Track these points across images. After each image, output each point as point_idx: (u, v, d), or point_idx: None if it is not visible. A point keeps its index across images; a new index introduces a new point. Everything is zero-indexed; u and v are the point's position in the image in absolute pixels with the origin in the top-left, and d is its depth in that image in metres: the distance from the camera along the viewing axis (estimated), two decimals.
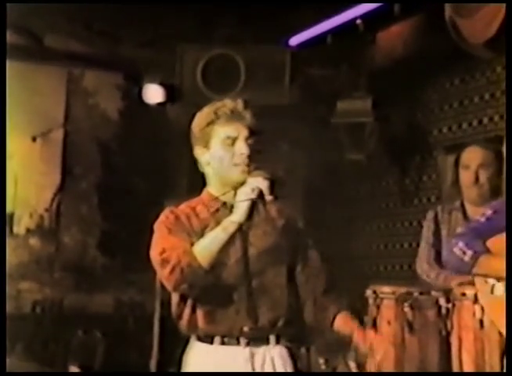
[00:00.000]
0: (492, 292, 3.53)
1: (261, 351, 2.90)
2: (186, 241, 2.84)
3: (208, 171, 2.99)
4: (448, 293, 3.93)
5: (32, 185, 6.98)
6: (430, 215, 4.50)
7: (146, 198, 6.72)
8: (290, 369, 2.94)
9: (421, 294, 4.03)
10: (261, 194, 2.79)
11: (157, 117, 6.79)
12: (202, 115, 2.98)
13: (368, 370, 4.19)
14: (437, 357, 3.98)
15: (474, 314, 3.67)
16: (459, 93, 5.98)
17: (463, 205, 4.37)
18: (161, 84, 6.59)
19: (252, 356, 2.89)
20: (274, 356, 2.91)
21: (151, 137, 6.98)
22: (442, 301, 3.93)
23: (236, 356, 2.88)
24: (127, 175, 6.91)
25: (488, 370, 3.62)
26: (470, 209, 4.33)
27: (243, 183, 2.85)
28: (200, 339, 2.92)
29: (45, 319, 6.65)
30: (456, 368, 3.82)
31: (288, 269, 3.01)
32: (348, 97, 6.28)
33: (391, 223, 6.61)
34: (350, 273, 6.76)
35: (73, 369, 5.32)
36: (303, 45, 6.23)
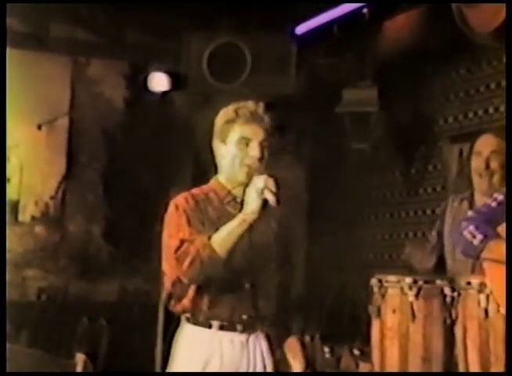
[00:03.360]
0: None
1: (252, 336, 3.05)
2: (203, 233, 2.93)
3: (221, 163, 3.12)
4: (453, 282, 3.92)
5: (37, 173, 6.99)
6: (442, 206, 4.48)
7: (150, 186, 6.73)
8: (268, 353, 3.09)
9: (426, 283, 4.03)
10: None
11: (163, 105, 6.78)
12: (225, 112, 3.11)
13: (373, 359, 4.20)
14: (441, 346, 3.98)
15: (478, 303, 3.66)
16: (465, 82, 5.96)
17: (472, 195, 4.34)
18: (167, 72, 6.58)
19: (247, 340, 3.03)
20: (261, 341, 3.08)
21: (156, 125, 6.98)
22: (447, 290, 3.93)
23: (233, 340, 3.00)
24: (132, 163, 6.91)
25: (493, 359, 3.61)
26: (479, 199, 4.30)
27: (247, 184, 2.96)
28: (197, 323, 3.01)
29: (50, 307, 6.67)
30: (460, 357, 3.82)
31: (278, 266, 3.17)
32: (354, 86, 6.27)
33: (396, 213, 6.60)
34: (355, 262, 6.78)
35: (79, 356, 5.34)
36: (309, 35, 6.22)
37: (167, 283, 3.03)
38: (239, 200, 3.05)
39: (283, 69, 6.47)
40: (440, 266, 4.36)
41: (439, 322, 3.97)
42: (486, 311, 3.63)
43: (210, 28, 6.49)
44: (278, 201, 2.89)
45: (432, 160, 6.28)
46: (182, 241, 2.89)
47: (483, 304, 3.64)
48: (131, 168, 6.93)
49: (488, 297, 3.62)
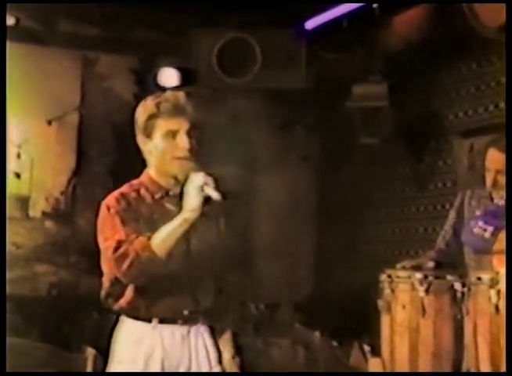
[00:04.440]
0: None
1: (193, 328, 3.01)
2: (139, 231, 2.86)
3: (149, 158, 3.04)
4: (463, 277, 3.92)
5: (48, 168, 7.00)
6: (456, 201, 4.43)
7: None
8: (212, 345, 3.05)
9: (436, 278, 4.03)
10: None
11: None
12: (145, 107, 3.01)
13: (383, 354, 4.20)
14: (452, 342, 3.98)
15: (489, 299, 3.65)
16: (476, 77, 5.94)
17: (491, 195, 4.29)
18: (177, 68, 6.58)
19: (188, 333, 3.00)
20: (203, 332, 3.03)
21: None
22: (458, 286, 3.93)
23: (173, 333, 2.97)
24: (141, 158, 6.91)
25: (503, 355, 3.60)
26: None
27: (183, 176, 2.90)
28: (137, 318, 2.98)
29: (60, 302, 6.69)
30: (470, 353, 3.81)
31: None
32: (364, 81, 6.25)
33: (406, 208, 6.59)
34: (364, 258, 6.77)
35: (90, 351, 5.35)
36: (319, 30, 6.20)
37: (105, 282, 2.99)
38: (171, 193, 2.99)
39: (293, 64, 6.47)
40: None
41: (449, 317, 3.97)
42: (497, 307, 3.62)
43: (220, 23, 6.49)
44: (224, 196, 2.79)
45: (442, 155, 6.27)
46: (120, 242, 2.83)
47: (494, 299, 3.62)
48: (140, 163, 6.93)
49: (498, 292, 3.61)
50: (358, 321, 6.32)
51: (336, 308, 6.74)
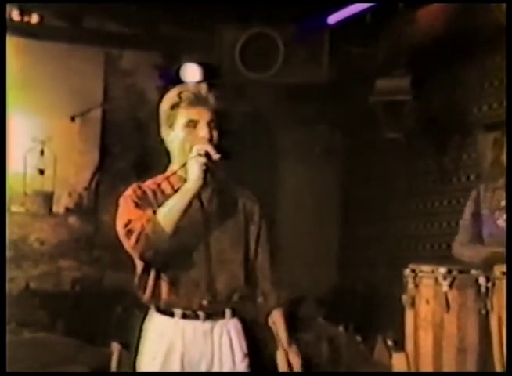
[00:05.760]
0: None
1: (218, 324, 2.99)
2: (151, 212, 2.89)
3: (172, 150, 3.07)
4: (488, 272, 3.90)
5: (71, 164, 7.05)
6: (472, 194, 4.42)
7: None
8: (243, 341, 3.03)
9: (460, 272, 4.01)
10: (208, 156, 2.84)
11: None
12: (167, 97, 3.05)
13: (407, 349, 4.19)
14: (476, 336, 3.96)
15: None
16: (500, 71, 5.90)
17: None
18: (199, 63, 6.59)
19: (211, 329, 2.98)
20: (230, 329, 3.01)
21: None
22: (482, 280, 3.90)
23: (195, 329, 2.96)
24: (164, 154, 6.94)
25: None
26: None
27: None
28: (161, 311, 3.00)
29: (84, 297, 6.73)
30: (496, 348, 3.79)
31: (245, 243, 3.07)
32: (387, 75, 6.24)
33: (429, 202, 6.57)
34: (388, 253, 6.76)
35: (115, 345, 5.39)
36: (342, 24, 6.19)
37: (136, 276, 3.03)
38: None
39: (316, 59, 6.46)
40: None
41: (474, 312, 3.94)
42: None
43: (243, 19, 6.49)
44: (224, 155, 2.83)
45: (466, 148, 6.24)
46: (130, 220, 2.87)
47: None
48: (162, 158, 6.95)
49: None
50: (381, 316, 6.32)
51: (360, 302, 6.74)
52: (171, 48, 7.07)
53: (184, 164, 2.93)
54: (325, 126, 7.44)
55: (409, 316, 4.19)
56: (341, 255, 7.58)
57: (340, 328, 5.90)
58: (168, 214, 2.84)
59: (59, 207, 7.02)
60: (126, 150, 7.16)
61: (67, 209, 7.06)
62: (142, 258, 2.92)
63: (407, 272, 4.20)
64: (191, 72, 6.58)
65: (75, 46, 6.93)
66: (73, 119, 7.01)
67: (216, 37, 6.59)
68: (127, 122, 7.21)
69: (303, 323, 5.87)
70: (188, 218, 2.87)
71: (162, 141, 3.10)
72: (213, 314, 2.99)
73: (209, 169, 2.85)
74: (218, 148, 2.86)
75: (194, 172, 2.84)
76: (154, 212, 2.86)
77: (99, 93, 7.17)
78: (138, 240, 2.83)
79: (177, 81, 6.60)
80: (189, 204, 2.86)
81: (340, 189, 7.68)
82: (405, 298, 4.21)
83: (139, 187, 3.02)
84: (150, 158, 7.03)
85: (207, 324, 2.98)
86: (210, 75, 6.57)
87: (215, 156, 2.83)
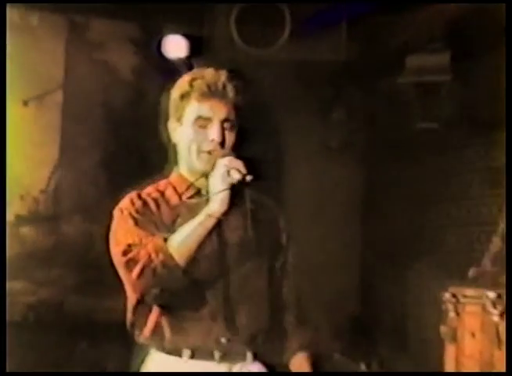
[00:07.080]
0: None
1: (237, 368, 2.96)
2: (156, 235, 2.84)
3: (179, 149, 3.06)
4: None
5: (24, 160, 7.00)
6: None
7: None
8: None
9: None
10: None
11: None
12: (178, 85, 3.05)
13: None
14: None
15: None
16: None
17: None
18: (185, 35, 6.59)
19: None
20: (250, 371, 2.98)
21: None
22: None
23: (208, 371, 2.91)
24: (141, 147, 6.93)
25: None
26: None
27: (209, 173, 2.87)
28: (164, 351, 2.95)
29: (40, 328, 6.70)
30: None
31: (268, 270, 3.06)
32: (421, 51, 6.25)
33: (474, 209, 6.55)
34: (421, 271, 6.73)
35: None
36: None
37: (128, 306, 2.98)
38: (204, 192, 2.96)
39: (331, 31, 6.46)
40: None
41: None
42: None
43: None
44: (255, 177, 2.77)
45: None
46: (130, 245, 2.82)
47: None
48: (140, 153, 6.95)
49: None
50: (413, 351, 6.30)
51: (385, 334, 6.73)
52: (151, 17, 7.05)
53: (203, 176, 2.90)
54: (343, 114, 7.45)
55: (449, 352, 4.19)
56: (363, 273, 7.58)
57: (362, 366, 5.92)
58: (184, 244, 2.79)
59: (8, 215, 6.99)
60: (94, 142, 7.14)
61: (18, 217, 7.04)
62: (143, 295, 2.88)
63: (447, 296, 4.20)
64: (175, 46, 6.57)
65: (28, 12, 6.90)
66: (25, 103, 7.00)
67: (206, 4, 6.59)
68: (94, 108, 7.19)
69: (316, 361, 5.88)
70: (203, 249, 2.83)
71: (165, 136, 3.08)
72: (232, 354, 2.94)
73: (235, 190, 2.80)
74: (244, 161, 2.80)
75: (219, 196, 2.78)
76: (165, 240, 2.80)
77: (60, 71, 7.16)
78: (141, 274, 2.78)
79: (157, 56, 6.61)
80: (209, 233, 2.81)
81: (360, 195, 7.69)
82: (444, 329, 4.22)
83: (139, 197, 3.00)
84: (125, 154, 7.03)
85: (224, 366, 2.93)
86: (198, 50, 6.57)
87: (248, 177, 2.78)
